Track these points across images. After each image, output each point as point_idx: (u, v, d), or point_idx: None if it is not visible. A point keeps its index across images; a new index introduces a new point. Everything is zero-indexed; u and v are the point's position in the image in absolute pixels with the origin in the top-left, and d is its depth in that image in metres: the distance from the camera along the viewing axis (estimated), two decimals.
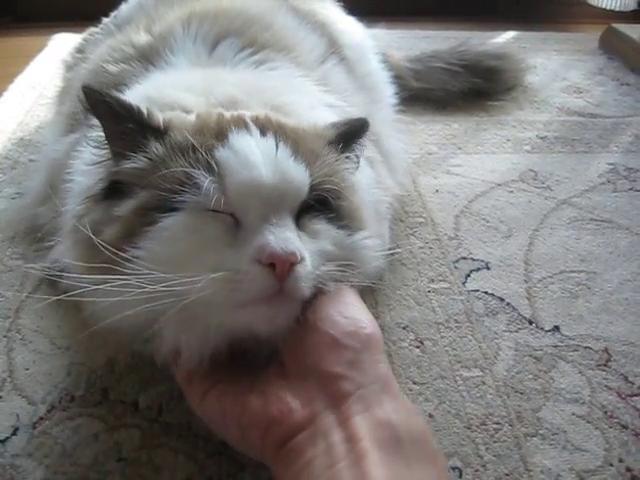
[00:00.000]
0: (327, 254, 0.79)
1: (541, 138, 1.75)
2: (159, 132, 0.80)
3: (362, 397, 0.69)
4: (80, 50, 1.49)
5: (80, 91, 0.81)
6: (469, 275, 1.24)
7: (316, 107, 1.03)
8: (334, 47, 1.37)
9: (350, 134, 0.92)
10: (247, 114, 0.85)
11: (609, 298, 1.20)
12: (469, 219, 1.40)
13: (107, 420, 0.93)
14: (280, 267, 0.70)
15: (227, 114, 0.85)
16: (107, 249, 0.73)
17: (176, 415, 0.93)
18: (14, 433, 0.91)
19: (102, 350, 1.03)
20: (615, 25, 2.36)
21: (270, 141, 0.79)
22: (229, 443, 0.81)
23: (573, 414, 0.97)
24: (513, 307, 1.16)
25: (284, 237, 0.73)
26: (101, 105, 0.80)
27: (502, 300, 1.18)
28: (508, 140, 1.74)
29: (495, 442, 0.93)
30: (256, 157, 0.76)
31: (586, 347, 1.09)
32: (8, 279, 1.19)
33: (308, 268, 0.74)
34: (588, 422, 0.96)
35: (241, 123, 0.81)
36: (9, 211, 1.36)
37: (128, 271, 0.72)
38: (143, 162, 0.78)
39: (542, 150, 1.70)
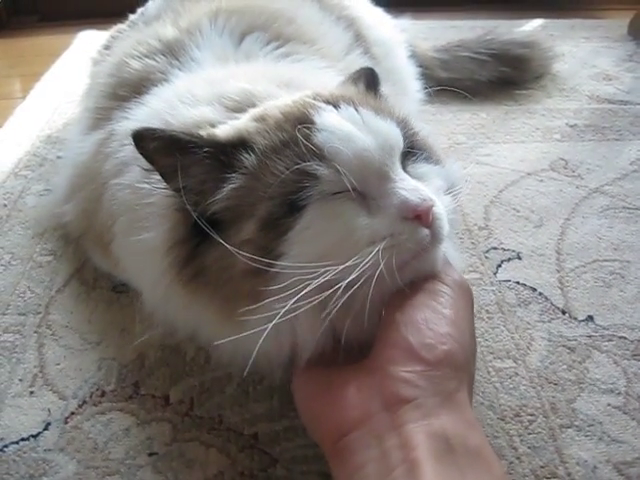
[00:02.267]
0: (440, 189, 0.82)
1: (571, 126, 1.73)
2: (242, 144, 0.79)
3: (420, 406, 0.67)
4: (107, 47, 1.50)
5: (129, 138, 0.79)
6: (500, 265, 1.22)
7: (326, 81, 1.03)
8: (360, 41, 1.37)
9: (371, 83, 0.97)
10: (303, 96, 0.85)
11: None
12: (499, 209, 1.38)
13: (138, 414, 0.93)
14: (425, 215, 0.73)
15: (287, 102, 0.85)
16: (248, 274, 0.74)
17: (207, 409, 0.93)
18: (46, 428, 0.91)
19: (133, 345, 1.03)
20: None
21: (349, 110, 0.80)
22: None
23: (609, 405, 0.95)
24: (545, 297, 1.15)
25: (413, 188, 0.75)
26: (164, 143, 0.77)
27: (534, 290, 1.16)
28: (537, 129, 1.72)
29: (530, 434, 0.91)
30: (351, 129, 0.77)
31: (621, 337, 1.07)
32: (38, 275, 1.19)
33: (441, 206, 0.77)
34: (624, 413, 0.94)
35: (313, 105, 0.81)
36: (38, 208, 1.37)
37: (286, 283, 0.72)
38: (241, 179, 0.77)
39: (572, 138, 1.68)
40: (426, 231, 0.74)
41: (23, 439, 0.89)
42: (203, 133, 0.80)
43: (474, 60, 1.86)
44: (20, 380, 0.98)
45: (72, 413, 0.93)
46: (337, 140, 0.75)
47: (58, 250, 1.25)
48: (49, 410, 0.93)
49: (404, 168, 0.79)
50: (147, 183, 0.85)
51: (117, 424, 0.91)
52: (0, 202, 1.40)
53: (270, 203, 0.74)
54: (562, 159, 1.57)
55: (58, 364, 1.01)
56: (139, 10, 1.54)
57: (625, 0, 2.68)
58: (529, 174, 1.51)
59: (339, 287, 0.70)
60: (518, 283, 1.18)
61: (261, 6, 1.23)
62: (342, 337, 0.76)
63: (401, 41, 1.65)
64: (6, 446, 0.88)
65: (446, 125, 1.72)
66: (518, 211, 1.38)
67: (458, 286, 0.78)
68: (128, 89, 1.08)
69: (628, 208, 1.39)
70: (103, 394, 0.96)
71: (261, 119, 0.82)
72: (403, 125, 0.83)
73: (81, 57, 2.12)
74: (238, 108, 0.90)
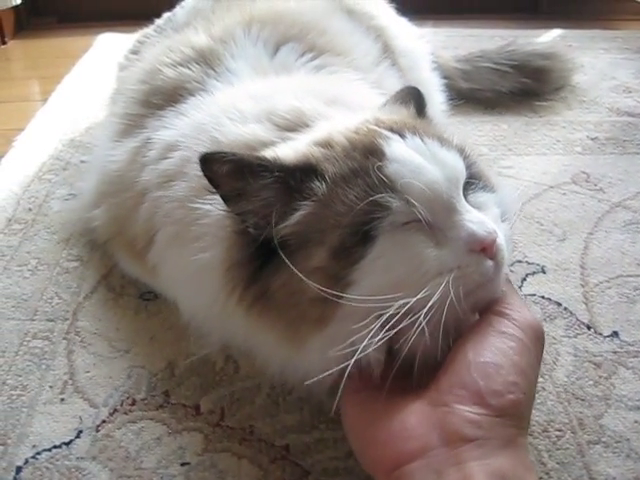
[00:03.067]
0: (498, 218, 0.83)
1: (592, 139, 1.73)
2: (312, 171, 0.79)
3: (481, 445, 0.67)
4: (134, 51, 1.50)
5: (197, 161, 0.78)
6: (525, 279, 1.22)
7: (365, 95, 1.04)
8: (387, 52, 1.38)
9: (420, 106, 0.97)
10: (366, 123, 0.85)
11: None
12: (523, 222, 1.38)
13: (169, 424, 0.93)
14: (490, 248, 0.75)
15: (351, 128, 0.85)
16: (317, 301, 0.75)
17: (238, 419, 0.94)
18: (78, 436, 0.91)
19: (162, 353, 1.04)
20: None
21: (416, 140, 0.80)
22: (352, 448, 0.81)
23: (636, 422, 0.95)
24: (571, 312, 1.14)
25: (479, 220, 0.76)
26: (235, 167, 0.77)
27: (559, 305, 1.16)
28: (558, 141, 1.71)
29: (558, 449, 0.91)
30: (420, 160, 0.77)
31: None
32: (65, 281, 1.20)
33: (502, 236, 0.78)
34: None
35: (380, 134, 0.81)
36: (63, 213, 1.37)
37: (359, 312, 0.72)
38: (311, 206, 0.77)
39: (593, 151, 1.67)
40: (491, 262, 0.75)
41: (55, 446, 0.90)
42: (269, 157, 0.80)
43: (495, 71, 1.85)
44: (50, 387, 0.99)
45: (103, 421, 0.93)
46: (408, 172, 0.75)
47: (84, 256, 1.26)
48: (80, 418, 0.94)
49: (465, 198, 0.80)
50: (202, 203, 0.86)
51: (148, 433, 0.92)
52: (25, 206, 1.41)
53: (342, 231, 0.74)
54: (584, 172, 1.57)
55: (88, 371, 1.01)
56: (165, 15, 1.53)
57: None
58: (551, 187, 1.51)
59: (415, 318, 0.71)
60: (543, 297, 1.18)
61: (293, 16, 1.24)
62: (415, 365, 0.76)
63: (426, 52, 1.66)
64: (39, 453, 0.89)
65: (467, 136, 1.70)
66: (542, 224, 1.38)
67: (532, 330, 0.78)
68: (162, 97, 1.08)
69: None
70: (134, 402, 0.96)
71: (327, 145, 0.82)
72: (464, 155, 0.84)
73: (101, 60, 2.14)
74: (289, 127, 0.91)
